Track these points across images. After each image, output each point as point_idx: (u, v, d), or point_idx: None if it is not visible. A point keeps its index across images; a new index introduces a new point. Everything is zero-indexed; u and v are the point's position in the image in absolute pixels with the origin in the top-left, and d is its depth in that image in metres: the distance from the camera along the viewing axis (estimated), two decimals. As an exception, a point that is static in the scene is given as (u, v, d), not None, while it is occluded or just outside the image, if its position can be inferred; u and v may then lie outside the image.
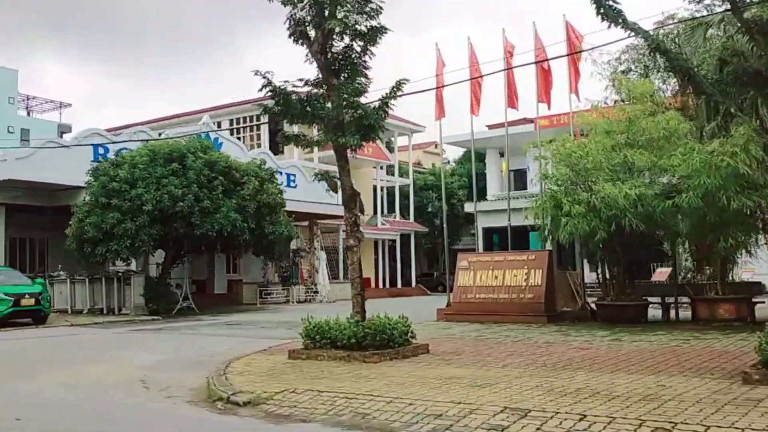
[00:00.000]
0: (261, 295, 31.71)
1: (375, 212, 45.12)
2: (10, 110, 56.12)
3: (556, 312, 16.64)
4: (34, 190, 28.77)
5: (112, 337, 17.06)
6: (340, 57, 11.23)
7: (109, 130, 31.02)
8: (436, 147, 57.50)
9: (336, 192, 14.30)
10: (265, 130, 41.33)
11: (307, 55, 11.25)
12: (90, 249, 22.59)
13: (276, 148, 37.77)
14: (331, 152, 12.43)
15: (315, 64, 11.25)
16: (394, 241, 45.80)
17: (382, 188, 46.92)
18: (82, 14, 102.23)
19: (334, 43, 11.18)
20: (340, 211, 14.47)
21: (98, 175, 23.81)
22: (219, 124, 36.58)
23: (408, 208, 48.43)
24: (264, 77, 10.95)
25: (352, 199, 11.24)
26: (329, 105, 11.22)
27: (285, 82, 11.15)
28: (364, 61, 11.16)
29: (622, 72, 24.97)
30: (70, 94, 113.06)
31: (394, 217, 46.50)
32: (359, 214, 11.45)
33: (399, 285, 45.96)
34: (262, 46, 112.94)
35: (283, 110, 11.36)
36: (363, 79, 11.18)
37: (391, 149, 48.44)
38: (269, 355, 11.61)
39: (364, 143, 11.19)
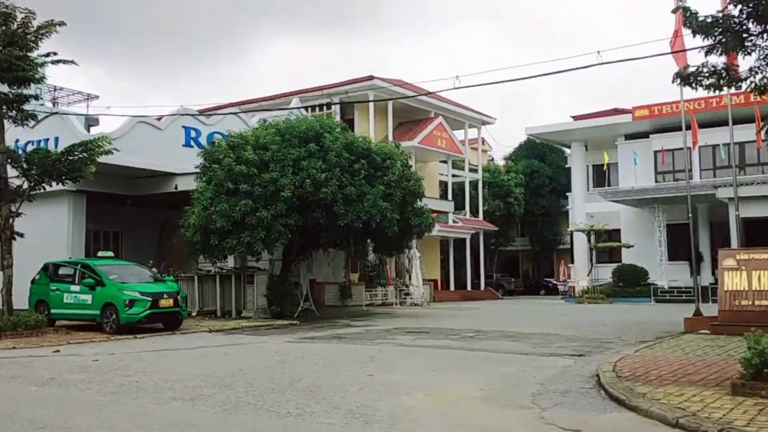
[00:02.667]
0: (368, 297, 28.53)
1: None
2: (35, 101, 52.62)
3: None
4: (116, 178, 25.55)
5: (298, 348, 13.79)
6: None
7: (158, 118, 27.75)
8: (484, 143, 54.54)
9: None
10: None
11: None
12: (217, 241, 19.30)
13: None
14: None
15: None
16: (463, 240, 42.63)
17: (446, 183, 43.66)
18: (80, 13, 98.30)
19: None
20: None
21: (213, 159, 20.57)
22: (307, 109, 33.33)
23: (476, 206, 45.36)
24: None
25: None
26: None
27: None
28: None
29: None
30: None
31: (464, 214, 43.34)
32: None
33: (469, 287, 42.83)
34: (266, 46, 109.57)
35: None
36: None
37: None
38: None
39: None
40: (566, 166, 50.88)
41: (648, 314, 22.80)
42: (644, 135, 37.95)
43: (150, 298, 16.20)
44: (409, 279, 32.68)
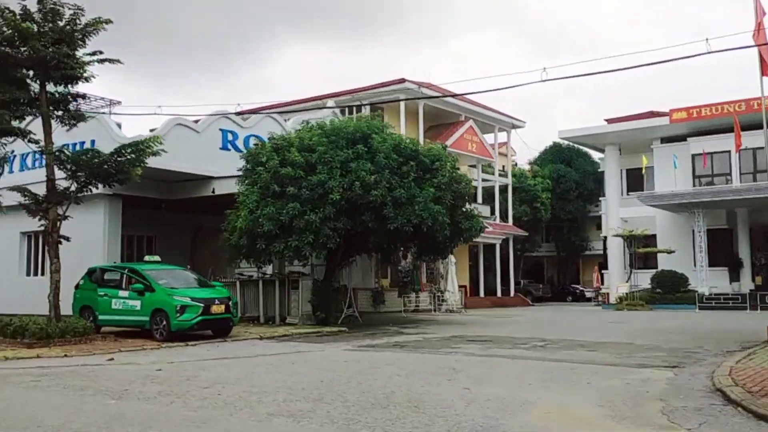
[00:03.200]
0: (403, 303, 27.85)
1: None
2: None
3: None
4: (151, 181, 25.03)
5: (365, 358, 13.14)
6: None
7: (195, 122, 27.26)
8: (506, 148, 53.81)
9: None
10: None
11: None
12: (264, 245, 18.69)
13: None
14: None
15: None
16: (492, 245, 41.87)
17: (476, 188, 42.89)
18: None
19: None
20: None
21: (257, 161, 20.00)
22: (343, 111, 32.74)
23: (505, 211, 44.62)
24: None
25: None
26: None
27: None
28: None
29: None
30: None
31: (494, 220, 42.60)
32: None
33: (498, 293, 42.08)
34: (282, 54, 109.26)
35: None
36: None
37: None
38: None
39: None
40: (594, 170, 50.13)
41: (704, 322, 22.02)
42: (681, 138, 37.14)
43: (202, 304, 15.61)
44: (444, 285, 32.01)
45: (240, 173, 21.23)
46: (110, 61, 16.71)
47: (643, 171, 35.57)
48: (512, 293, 43.65)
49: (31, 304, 20.69)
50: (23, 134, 15.94)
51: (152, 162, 22.92)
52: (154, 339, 15.63)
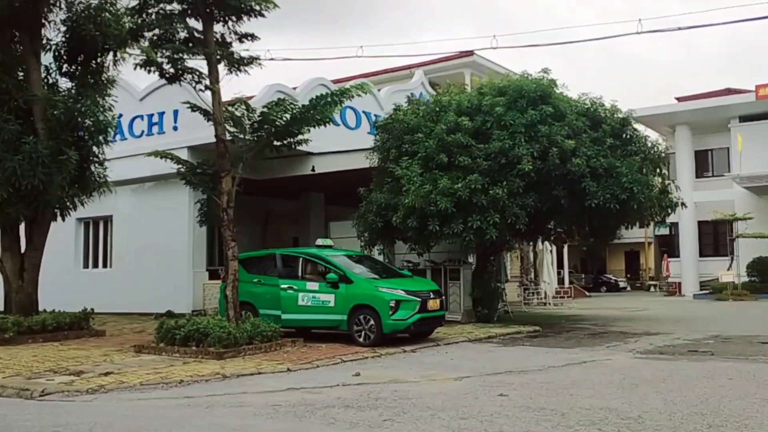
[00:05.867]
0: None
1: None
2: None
3: None
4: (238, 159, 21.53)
5: (693, 369, 10.00)
6: None
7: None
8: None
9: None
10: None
11: None
12: (436, 227, 15.33)
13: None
14: None
15: None
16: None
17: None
18: None
19: None
20: None
21: (404, 130, 16.69)
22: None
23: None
24: None
25: None
26: None
27: None
28: None
29: None
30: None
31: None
32: None
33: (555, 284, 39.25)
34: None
35: None
36: None
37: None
38: None
39: None
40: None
41: None
42: (763, 116, 34.80)
43: (419, 299, 12.24)
44: (534, 276, 29.03)
45: (369, 146, 17.98)
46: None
47: (739, 149, 33.07)
48: (566, 283, 40.90)
49: (89, 300, 17.52)
50: (197, 77, 12.32)
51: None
52: (354, 343, 12.19)
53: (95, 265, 23.05)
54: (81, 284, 22.20)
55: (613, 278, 51.08)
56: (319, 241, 14.19)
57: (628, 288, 49.70)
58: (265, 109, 12.64)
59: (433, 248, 17.25)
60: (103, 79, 15.74)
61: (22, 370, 10.07)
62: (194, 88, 12.46)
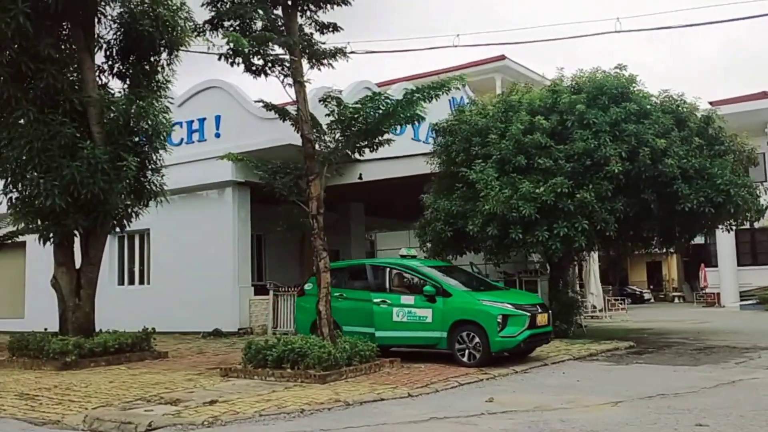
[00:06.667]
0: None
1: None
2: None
3: None
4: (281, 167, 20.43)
5: None
6: None
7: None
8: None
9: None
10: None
11: None
12: (519, 235, 14.24)
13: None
14: None
15: None
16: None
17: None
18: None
19: None
20: None
21: (472, 131, 15.70)
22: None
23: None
24: None
25: None
26: None
27: None
28: None
29: None
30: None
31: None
32: None
33: (589, 295, 38.11)
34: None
35: None
36: None
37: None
38: None
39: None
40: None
41: None
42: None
43: (528, 313, 11.11)
44: (580, 287, 27.86)
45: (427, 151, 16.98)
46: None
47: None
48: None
49: (125, 319, 16.67)
50: (286, 70, 11.22)
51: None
52: (456, 363, 11.05)
53: (131, 282, 21.89)
54: (116, 302, 20.92)
55: (638, 290, 49.98)
56: (403, 251, 13.04)
57: (652, 300, 48.57)
58: (358, 105, 11.54)
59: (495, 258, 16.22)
60: (156, 79, 14.67)
61: (108, 399, 8.92)
62: (282, 82, 11.35)
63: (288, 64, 10.87)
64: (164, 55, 14.66)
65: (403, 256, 12.80)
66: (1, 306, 25.41)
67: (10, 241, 17.65)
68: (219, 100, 20.12)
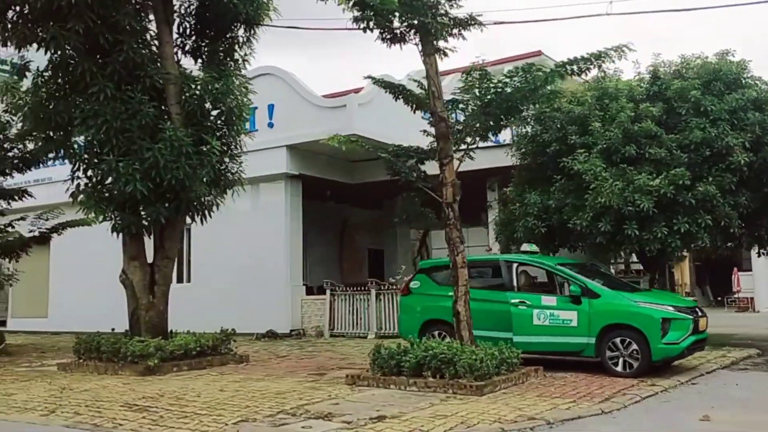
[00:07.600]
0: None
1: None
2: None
3: None
4: (336, 160, 19.24)
5: None
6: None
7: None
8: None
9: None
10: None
11: None
12: (634, 231, 12.98)
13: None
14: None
15: None
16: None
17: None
18: None
19: None
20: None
21: (547, 123, 14.53)
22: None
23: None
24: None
25: None
26: None
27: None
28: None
29: None
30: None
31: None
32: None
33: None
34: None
35: None
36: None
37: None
38: None
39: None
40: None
41: None
42: None
43: (691, 317, 9.86)
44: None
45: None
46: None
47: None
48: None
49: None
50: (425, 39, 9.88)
51: (366, 129, 17.20)
52: (606, 372, 9.76)
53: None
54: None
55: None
56: (525, 246, 11.72)
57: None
58: (507, 79, 10.26)
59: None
60: (234, 58, 13.31)
61: (243, 413, 7.54)
62: (421, 53, 9.97)
63: (432, 30, 9.50)
64: (241, 32, 13.33)
65: (526, 253, 11.48)
66: (24, 305, 23.99)
67: (57, 234, 16.11)
68: (273, 88, 18.73)
